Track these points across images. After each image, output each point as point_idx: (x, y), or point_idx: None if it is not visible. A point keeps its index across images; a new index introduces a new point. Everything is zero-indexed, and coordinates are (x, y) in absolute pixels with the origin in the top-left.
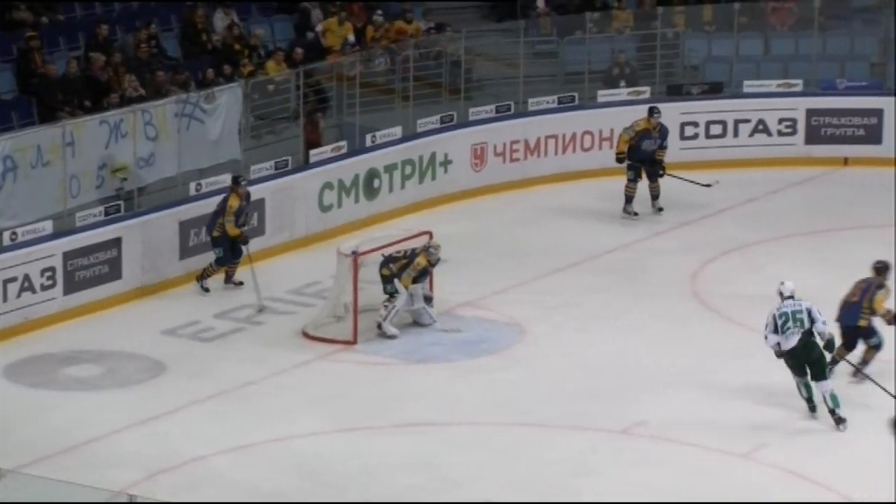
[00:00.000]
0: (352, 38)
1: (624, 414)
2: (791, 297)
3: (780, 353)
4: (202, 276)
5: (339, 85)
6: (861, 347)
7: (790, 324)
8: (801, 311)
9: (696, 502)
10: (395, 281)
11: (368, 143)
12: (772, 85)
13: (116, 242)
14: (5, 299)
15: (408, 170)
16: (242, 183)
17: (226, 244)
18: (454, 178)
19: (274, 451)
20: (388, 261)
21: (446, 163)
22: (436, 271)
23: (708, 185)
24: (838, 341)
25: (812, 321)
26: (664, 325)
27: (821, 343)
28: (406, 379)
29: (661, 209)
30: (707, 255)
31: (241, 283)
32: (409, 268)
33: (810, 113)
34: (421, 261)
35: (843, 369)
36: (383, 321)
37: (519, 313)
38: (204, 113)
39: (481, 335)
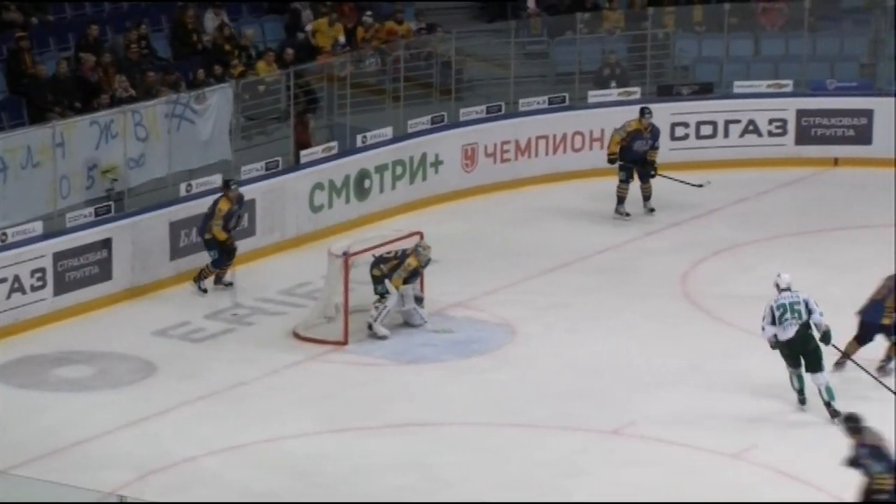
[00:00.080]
0: (342, 38)
1: (614, 414)
2: (788, 288)
3: (775, 344)
4: (199, 277)
5: (329, 85)
6: (885, 344)
7: (788, 315)
8: (798, 303)
9: (687, 502)
10: (386, 281)
11: (359, 143)
12: (762, 85)
13: (107, 243)
14: None
15: (398, 170)
16: (233, 187)
17: (218, 246)
18: (445, 179)
19: (265, 452)
20: (378, 261)
21: (437, 163)
22: (427, 272)
23: (699, 186)
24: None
25: (809, 312)
26: (655, 326)
27: (817, 335)
28: (397, 379)
29: (652, 210)
30: (698, 256)
31: (230, 284)
32: (399, 268)
33: (800, 113)
34: (411, 261)
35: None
36: (374, 322)
37: (510, 314)
38: (194, 113)
39: (472, 336)
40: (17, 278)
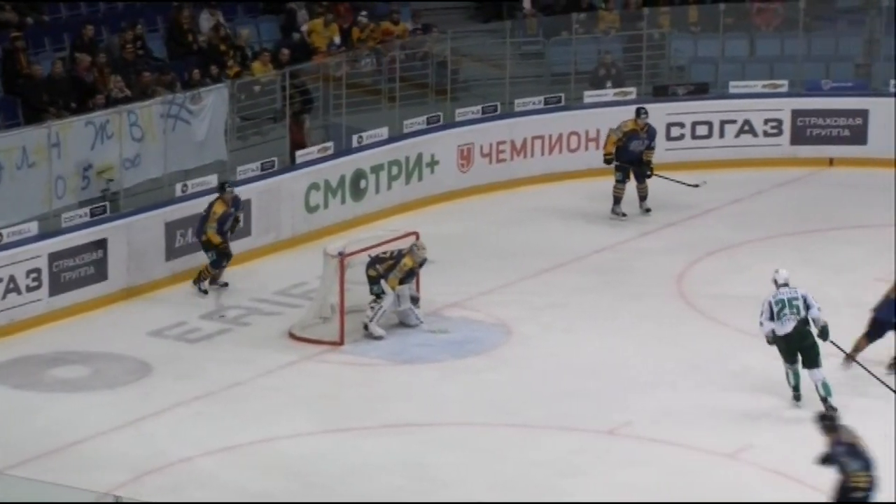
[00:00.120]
0: (337, 39)
1: (610, 414)
2: (786, 284)
3: (773, 340)
4: (198, 279)
5: (325, 86)
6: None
7: (786, 310)
8: (796, 298)
9: (683, 502)
10: (382, 282)
11: (355, 143)
12: (757, 86)
13: (102, 243)
14: None
15: (394, 170)
16: (228, 189)
17: (214, 249)
18: (441, 179)
19: (261, 452)
20: (374, 262)
21: (433, 163)
22: (422, 272)
23: (695, 186)
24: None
25: (807, 308)
26: (651, 326)
27: (815, 330)
28: (393, 380)
29: (648, 210)
30: (693, 256)
31: (225, 285)
32: (395, 269)
33: (796, 113)
34: (407, 262)
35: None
36: (370, 322)
37: (506, 314)
38: (190, 114)
39: (468, 336)
40: (12, 279)
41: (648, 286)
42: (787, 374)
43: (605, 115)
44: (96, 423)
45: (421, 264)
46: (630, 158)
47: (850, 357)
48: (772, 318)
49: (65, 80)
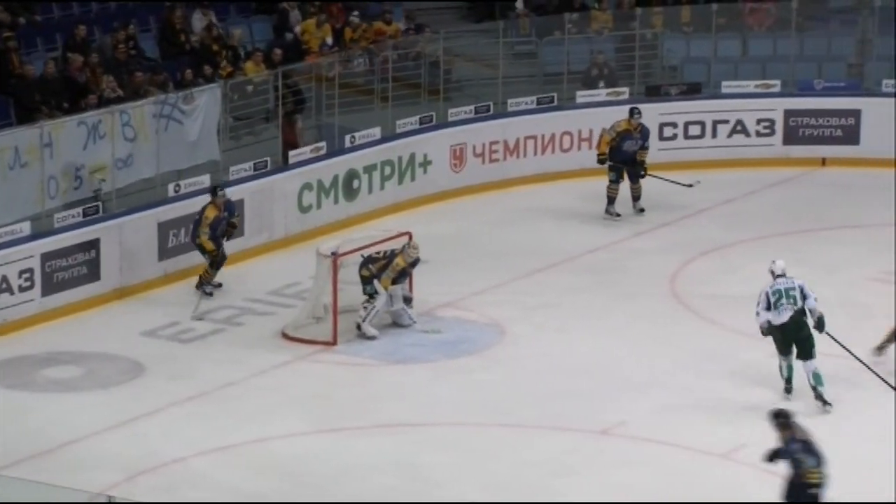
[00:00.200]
0: (329, 39)
1: (604, 414)
2: (783, 274)
3: (768, 331)
4: (200, 283)
5: (318, 86)
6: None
7: (783, 300)
8: (793, 289)
9: (676, 502)
10: (375, 282)
11: (348, 143)
12: (750, 86)
13: (95, 244)
14: None
15: (387, 170)
16: (220, 193)
17: (207, 254)
18: (433, 179)
19: (254, 452)
20: (367, 261)
21: (426, 163)
22: (415, 272)
23: (689, 185)
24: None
25: (804, 298)
26: (644, 326)
27: (811, 321)
28: (386, 380)
29: (642, 210)
30: (686, 256)
31: (219, 285)
32: (388, 269)
33: (788, 113)
34: (399, 261)
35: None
36: (363, 322)
37: (499, 314)
38: (182, 114)
39: (461, 336)
40: (4, 279)
41: (642, 286)
42: (781, 367)
43: (598, 115)
44: (89, 424)
45: (413, 264)
46: (624, 158)
47: (884, 346)
48: (768, 309)
49: (57, 80)
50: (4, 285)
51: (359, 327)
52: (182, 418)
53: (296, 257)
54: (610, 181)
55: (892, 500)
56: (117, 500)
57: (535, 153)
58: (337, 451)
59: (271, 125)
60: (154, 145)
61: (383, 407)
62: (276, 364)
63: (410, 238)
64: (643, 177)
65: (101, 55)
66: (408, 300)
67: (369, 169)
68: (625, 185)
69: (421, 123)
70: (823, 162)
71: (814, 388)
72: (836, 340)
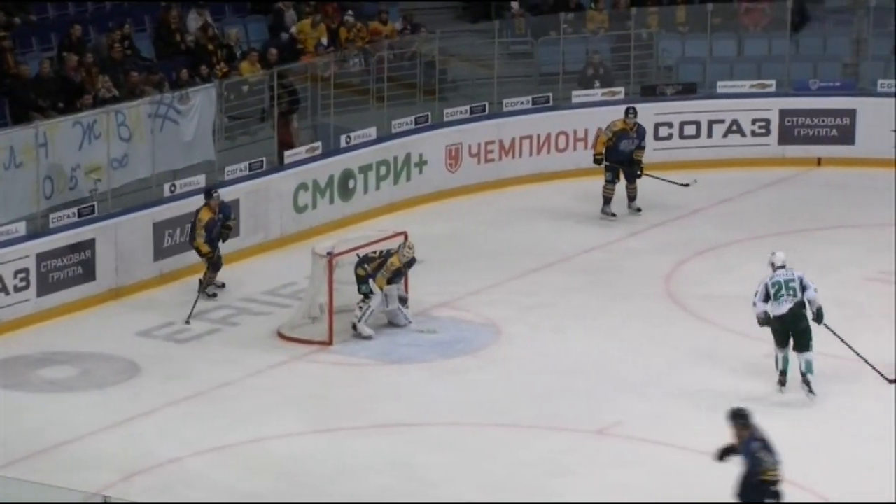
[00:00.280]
0: (325, 40)
1: (599, 414)
2: (783, 266)
3: (765, 321)
4: (202, 287)
5: (313, 86)
6: None
7: (783, 291)
8: (793, 280)
9: (672, 502)
10: (370, 281)
11: (343, 143)
12: (745, 85)
13: (90, 244)
14: None
15: (383, 170)
16: (215, 195)
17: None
18: (429, 179)
19: (250, 453)
20: (363, 261)
21: (421, 163)
22: (411, 272)
23: (686, 185)
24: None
25: (804, 289)
26: (639, 326)
27: (810, 312)
28: (382, 380)
29: (639, 210)
30: (681, 256)
31: (223, 285)
32: (383, 268)
33: (784, 113)
34: (394, 261)
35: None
36: (358, 322)
37: (494, 314)
38: (178, 114)
39: (457, 336)
40: (0, 279)
41: (637, 286)
42: (777, 359)
43: (594, 114)
44: (85, 424)
45: (409, 264)
46: (620, 158)
47: None
48: (765, 301)
49: (52, 80)
50: (0, 285)
51: (354, 327)
52: (178, 418)
53: (291, 257)
54: (606, 181)
55: (892, 501)
56: (113, 501)
57: (531, 153)
58: (333, 451)
59: (267, 125)
60: (149, 145)
61: (379, 407)
62: (272, 364)
63: (406, 238)
64: (640, 176)
65: (96, 55)
66: (403, 300)
67: (365, 169)
68: (620, 185)
69: (416, 123)
70: (819, 162)
71: (803, 375)
72: (833, 333)
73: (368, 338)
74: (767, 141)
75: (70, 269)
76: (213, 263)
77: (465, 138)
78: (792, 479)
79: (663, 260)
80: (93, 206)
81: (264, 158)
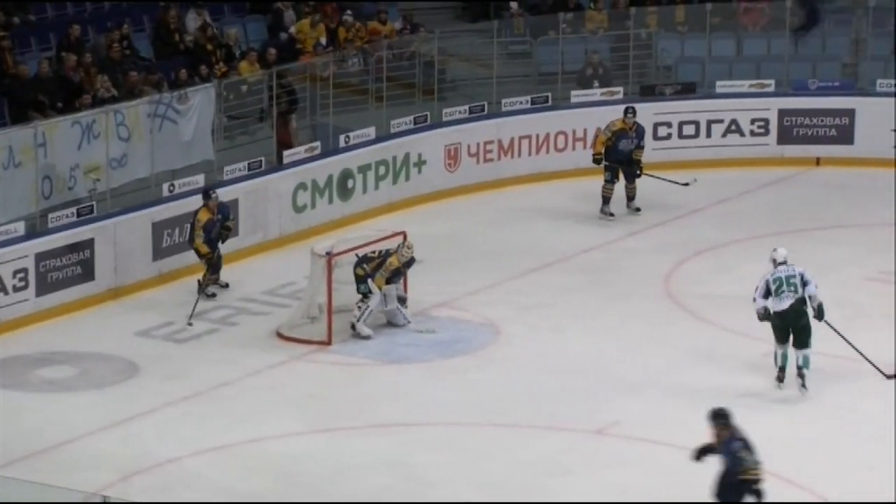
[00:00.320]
0: (324, 39)
1: (598, 414)
2: (784, 262)
3: (765, 316)
4: (201, 288)
5: (312, 85)
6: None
7: (784, 287)
8: (794, 276)
9: (671, 502)
10: (369, 281)
11: (342, 143)
12: (744, 85)
13: (89, 244)
14: None
15: (381, 170)
16: (213, 196)
17: (203, 257)
18: (428, 179)
19: (248, 452)
20: (362, 261)
21: (420, 163)
22: (410, 272)
23: (686, 184)
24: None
25: (804, 285)
26: (638, 325)
27: (811, 309)
28: (380, 379)
29: (638, 209)
30: (680, 256)
31: (226, 285)
32: (381, 268)
33: (783, 113)
34: (393, 261)
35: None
36: (357, 322)
37: (493, 314)
38: (177, 113)
39: (455, 335)
40: None
41: (636, 286)
42: (776, 355)
43: (593, 114)
44: (84, 424)
45: (408, 264)
46: (619, 158)
47: None
48: (766, 297)
49: (51, 80)
50: None
51: (353, 327)
52: (177, 418)
53: (290, 257)
54: (605, 181)
55: (892, 501)
56: (112, 500)
57: (530, 153)
58: (332, 451)
59: (265, 125)
60: (148, 145)
61: (378, 407)
62: (270, 364)
63: (405, 238)
64: (639, 176)
65: (95, 55)
66: (402, 300)
67: (364, 169)
68: (619, 185)
69: (415, 123)
70: (818, 162)
71: (799, 368)
72: (833, 329)
73: (367, 338)
74: (766, 141)
75: (69, 269)
76: (213, 264)
77: (464, 138)
78: (792, 478)
79: (662, 260)
80: (92, 205)
81: (263, 158)
